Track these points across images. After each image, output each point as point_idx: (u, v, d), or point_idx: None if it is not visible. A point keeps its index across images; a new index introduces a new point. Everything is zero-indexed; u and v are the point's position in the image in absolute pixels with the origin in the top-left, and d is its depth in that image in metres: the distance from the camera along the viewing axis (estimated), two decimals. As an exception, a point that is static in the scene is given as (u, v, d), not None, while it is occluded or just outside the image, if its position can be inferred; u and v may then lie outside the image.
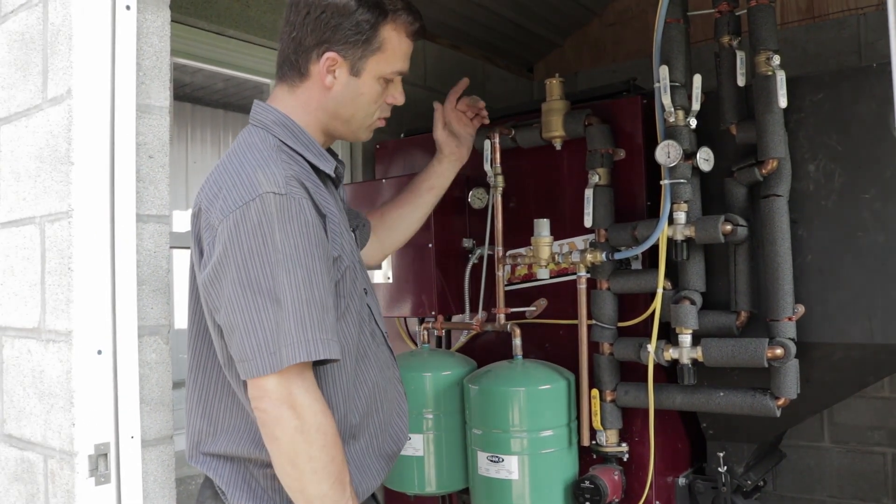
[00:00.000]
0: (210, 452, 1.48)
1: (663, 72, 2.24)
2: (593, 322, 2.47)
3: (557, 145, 2.59)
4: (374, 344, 1.56)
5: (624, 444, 2.48)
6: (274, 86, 1.60)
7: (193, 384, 1.50)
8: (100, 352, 1.55)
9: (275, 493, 1.43)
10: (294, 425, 1.30)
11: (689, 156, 2.25)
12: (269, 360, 1.29)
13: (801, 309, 2.21)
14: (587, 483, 2.37)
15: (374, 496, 1.63)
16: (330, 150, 1.63)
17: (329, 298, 1.37)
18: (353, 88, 1.52)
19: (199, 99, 5.27)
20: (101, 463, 1.54)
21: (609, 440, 2.47)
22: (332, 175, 1.56)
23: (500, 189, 2.65)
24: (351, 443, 1.50)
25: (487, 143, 2.65)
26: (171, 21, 1.71)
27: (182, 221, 4.26)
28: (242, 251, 1.32)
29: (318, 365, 1.40)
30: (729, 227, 2.21)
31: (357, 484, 1.48)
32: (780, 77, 2.14)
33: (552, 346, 2.65)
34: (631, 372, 2.46)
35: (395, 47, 1.54)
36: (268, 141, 1.48)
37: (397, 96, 1.60)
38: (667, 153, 2.22)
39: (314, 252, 1.35)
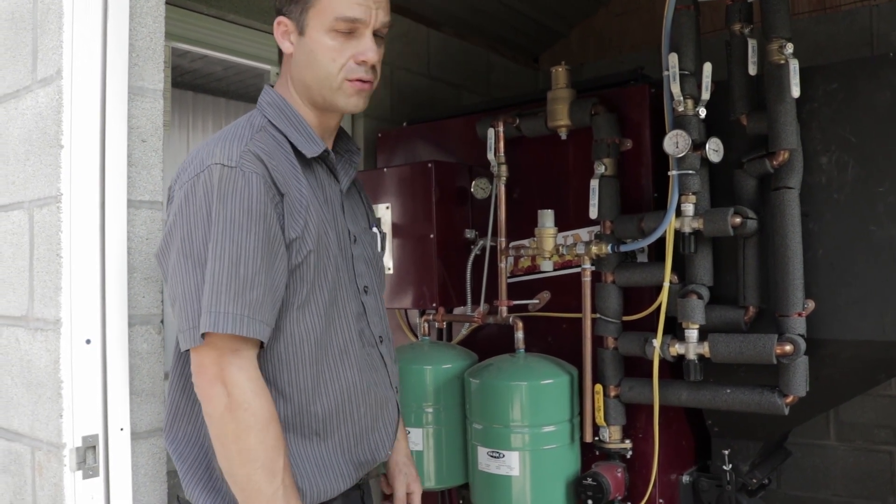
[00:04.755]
0: (184, 430, 1.45)
1: (672, 59, 2.19)
2: (598, 316, 2.43)
3: (563, 135, 2.54)
4: (358, 342, 1.51)
5: (627, 441, 2.44)
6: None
7: (177, 358, 1.47)
8: (88, 341, 1.50)
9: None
10: (224, 403, 1.30)
11: (698, 146, 2.20)
12: (193, 332, 1.31)
13: (811, 304, 2.16)
14: (589, 480, 2.33)
15: (359, 487, 1.58)
16: (343, 135, 1.63)
17: (261, 276, 1.32)
18: (305, 48, 1.47)
19: (201, 87, 5.22)
20: (90, 455, 1.50)
21: (612, 436, 2.42)
22: (318, 158, 1.51)
23: (504, 179, 2.60)
24: (315, 440, 1.46)
25: (491, 132, 2.60)
26: (170, 4, 1.67)
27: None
28: (188, 222, 1.33)
29: (272, 350, 1.39)
30: (738, 220, 2.16)
31: (316, 482, 1.44)
32: (794, 66, 2.09)
33: (555, 340, 2.61)
34: (635, 367, 2.41)
35: None
36: (253, 121, 1.47)
37: (364, 51, 1.46)
38: (675, 143, 2.17)
39: (251, 227, 1.32)
